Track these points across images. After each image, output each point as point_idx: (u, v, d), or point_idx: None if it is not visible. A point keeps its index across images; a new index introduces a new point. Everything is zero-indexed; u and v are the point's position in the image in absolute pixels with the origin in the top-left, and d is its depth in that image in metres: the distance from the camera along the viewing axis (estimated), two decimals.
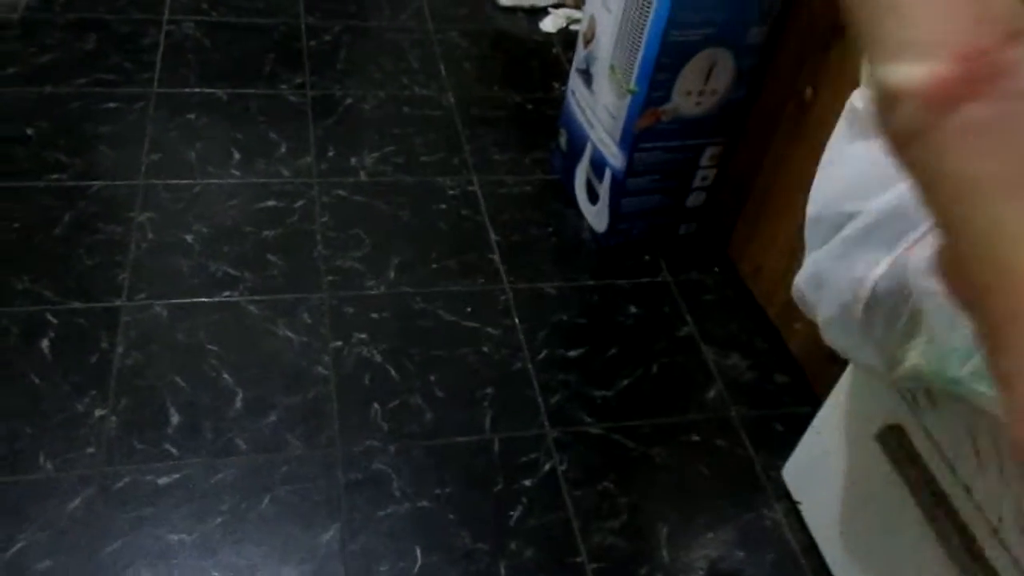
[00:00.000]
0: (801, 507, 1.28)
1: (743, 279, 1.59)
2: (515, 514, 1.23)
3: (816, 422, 1.25)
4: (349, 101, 1.92)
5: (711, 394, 1.45)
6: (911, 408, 1.03)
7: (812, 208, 0.97)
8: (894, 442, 1.06)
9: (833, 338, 0.95)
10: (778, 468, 1.32)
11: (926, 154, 0.15)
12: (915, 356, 0.84)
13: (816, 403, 1.24)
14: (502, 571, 1.17)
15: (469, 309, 1.51)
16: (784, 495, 1.30)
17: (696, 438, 1.38)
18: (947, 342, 0.80)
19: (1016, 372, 0.15)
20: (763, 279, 1.52)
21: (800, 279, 0.98)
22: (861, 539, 1.17)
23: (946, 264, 0.16)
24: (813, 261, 0.95)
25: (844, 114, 0.98)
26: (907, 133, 0.15)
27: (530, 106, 2.00)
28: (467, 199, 1.73)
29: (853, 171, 0.93)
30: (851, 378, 1.16)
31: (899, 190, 0.85)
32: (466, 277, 1.57)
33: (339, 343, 1.41)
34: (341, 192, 1.69)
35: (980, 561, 0.94)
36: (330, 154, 1.77)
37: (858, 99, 0.96)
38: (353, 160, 1.77)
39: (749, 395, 1.45)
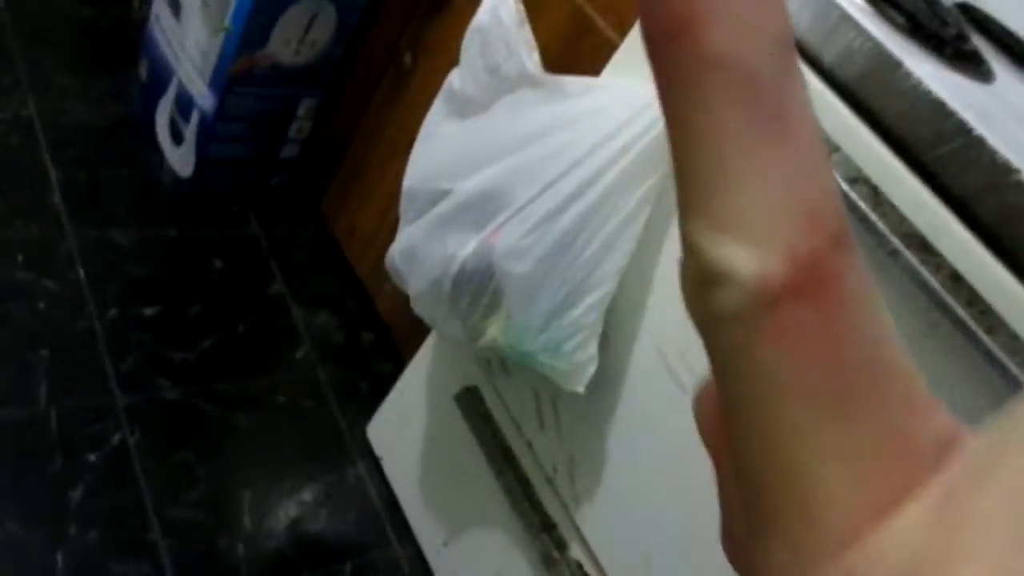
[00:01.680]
0: (384, 463, 1.33)
1: (335, 237, 1.58)
2: (75, 495, 1.10)
3: (400, 382, 1.30)
4: None
5: (298, 354, 1.43)
6: (486, 372, 1.11)
7: (408, 181, 0.99)
8: (470, 402, 1.14)
9: (422, 310, 0.98)
10: (363, 427, 1.35)
11: (735, 341, 0.14)
12: (494, 330, 0.91)
13: (401, 363, 1.29)
14: (60, 560, 1.04)
15: (20, 258, 1.30)
16: (368, 453, 1.34)
17: (282, 399, 1.35)
18: (523, 320, 0.87)
19: (785, 564, 0.15)
20: (355, 238, 1.52)
21: (394, 250, 0.99)
22: (439, 493, 1.25)
23: (716, 428, 0.16)
24: (407, 234, 0.97)
25: (441, 91, 1.00)
26: (721, 317, 0.14)
27: (105, 24, 1.76)
28: (21, 127, 1.47)
29: (447, 149, 0.96)
30: (434, 341, 1.22)
31: (488, 173, 0.90)
32: (18, 220, 1.35)
33: None
34: None
35: (537, 508, 1.06)
36: None
37: (455, 78, 0.99)
38: None
39: (336, 355, 1.46)
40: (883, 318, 0.15)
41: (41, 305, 1.26)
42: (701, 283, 0.14)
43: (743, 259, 0.14)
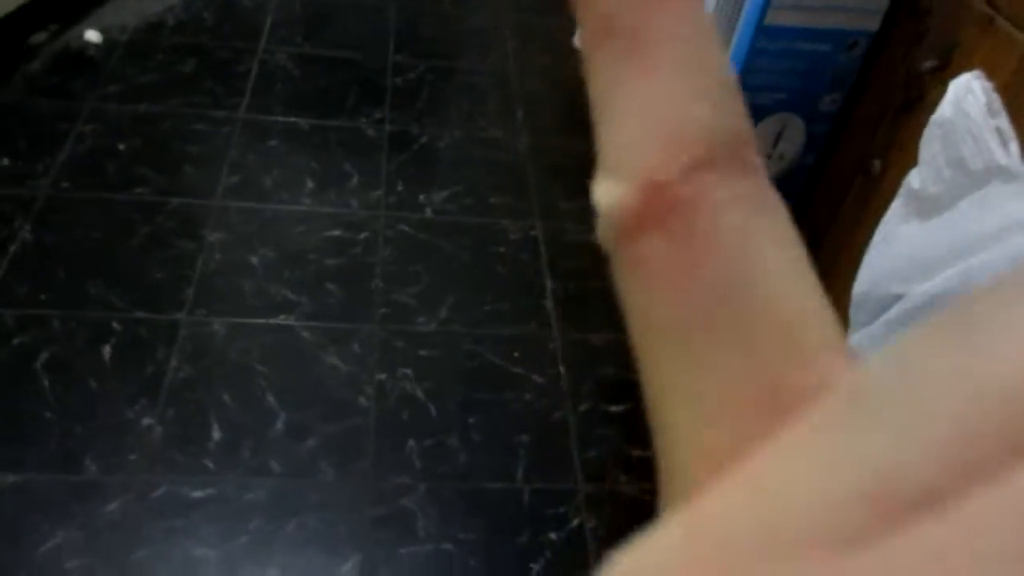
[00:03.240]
0: None
1: None
2: (537, 567, 1.21)
3: None
4: (425, 139, 1.96)
5: None
6: None
7: (859, 286, 0.94)
8: None
9: None
10: None
11: (616, 275, 0.15)
12: None
13: None
14: None
15: (516, 354, 1.51)
16: None
17: None
18: None
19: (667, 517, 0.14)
20: None
21: None
22: None
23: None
24: (855, 341, 0.92)
25: (900, 192, 0.95)
26: (606, 253, 0.15)
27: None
28: (528, 244, 1.74)
29: (902, 251, 0.90)
30: None
31: (947, 276, 0.82)
32: (517, 322, 1.57)
33: (384, 376, 1.43)
34: (405, 228, 1.72)
35: None
36: (399, 189, 1.81)
37: (915, 177, 0.93)
38: (421, 197, 1.80)
39: None
40: (769, 252, 0.13)
41: (528, 395, 1.45)
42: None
43: (608, 191, 0.14)
